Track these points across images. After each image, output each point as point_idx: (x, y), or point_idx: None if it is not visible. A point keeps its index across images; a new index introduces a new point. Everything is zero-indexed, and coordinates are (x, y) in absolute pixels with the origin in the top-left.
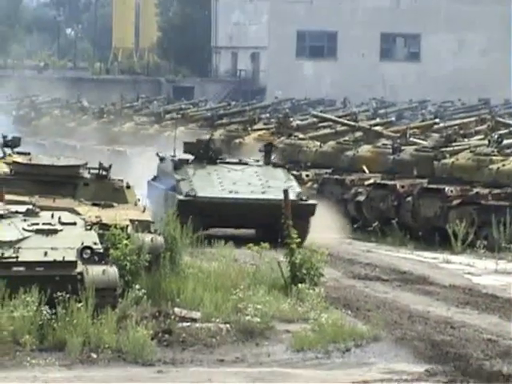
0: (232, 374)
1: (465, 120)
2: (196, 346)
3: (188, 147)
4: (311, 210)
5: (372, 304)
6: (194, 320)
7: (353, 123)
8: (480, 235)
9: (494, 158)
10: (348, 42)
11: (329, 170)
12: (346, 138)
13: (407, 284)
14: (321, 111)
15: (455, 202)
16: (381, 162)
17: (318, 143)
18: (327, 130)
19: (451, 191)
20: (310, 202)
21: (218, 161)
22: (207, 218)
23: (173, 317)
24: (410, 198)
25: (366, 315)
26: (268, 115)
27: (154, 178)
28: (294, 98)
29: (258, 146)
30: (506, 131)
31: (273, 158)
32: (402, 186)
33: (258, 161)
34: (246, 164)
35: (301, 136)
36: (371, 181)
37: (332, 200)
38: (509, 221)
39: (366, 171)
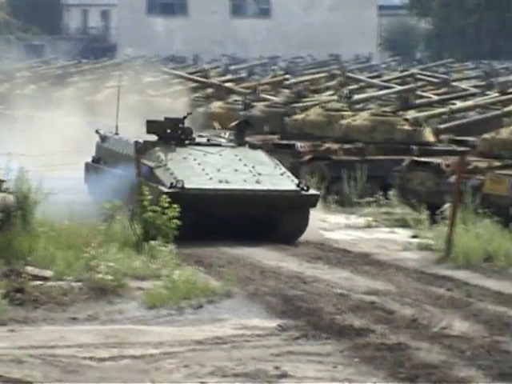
0: (85, 331)
1: (315, 76)
2: (48, 304)
3: (152, 126)
4: (313, 201)
5: (225, 260)
6: (45, 278)
7: (204, 80)
8: (331, 190)
9: (344, 113)
10: None
11: None
12: (198, 95)
13: (260, 239)
14: (172, 68)
15: (306, 158)
16: (232, 118)
17: (170, 100)
18: (179, 87)
19: (302, 147)
20: (312, 192)
21: (187, 142)
22: (194, 214)
23: (24, 275)
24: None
25: (219, 271)
26: (119, 73)
27: (96, 160)
28: (146, 55)
29: (110, 103)
30: (356, 86)
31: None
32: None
33: (230, 140)
34: (219, 145)
35: (152, 93)
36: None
37: None
38: (359, 176)
39: (218, 127)
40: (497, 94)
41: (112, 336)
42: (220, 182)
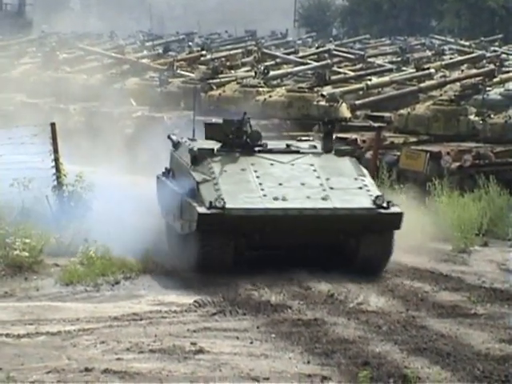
0: (1, 308)
1: (231, 52)
2: None
3: (211, 130)
4: (396, 221)
5: (141, 237)
6: None
7: (120, 56)
8: None
9: (260, 89)
10: None
11: (97, 103)
12: (113, 71)
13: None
14: (87, 45)
15: None
16: (148, 94)
17: (86, 76)
18: (94, 63)
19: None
20: (394, 209)
21: (257, 149)
22: (241, 239)
23: None
24: (177, 130)
25: (135, 248)
26: (34, 49)
27: (167, 173)
28: (61, 32)
29: (26, 80)
30: (272, 62)
31: None
32: (170, 118)
33: (314, 146)
34: (297, 152)
35: (68, 69)
36: (139, 113)
37: (102, 133)
38: None
39: (134, 104)
40: (412, 70)
41: (28, 313)
42: (275, 199)
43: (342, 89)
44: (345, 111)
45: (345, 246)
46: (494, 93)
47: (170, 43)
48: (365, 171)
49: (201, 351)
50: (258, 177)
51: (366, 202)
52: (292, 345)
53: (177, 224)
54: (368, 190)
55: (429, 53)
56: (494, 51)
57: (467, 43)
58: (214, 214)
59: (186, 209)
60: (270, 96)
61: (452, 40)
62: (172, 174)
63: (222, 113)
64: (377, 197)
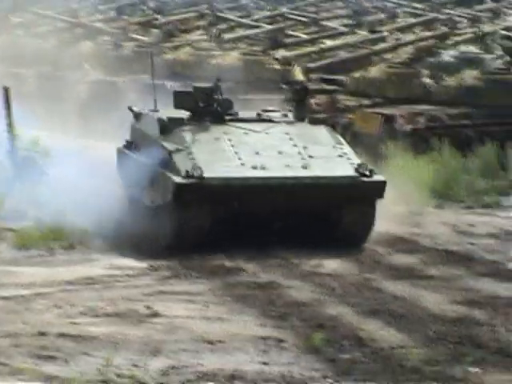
0: None
1: (185, 15)
2: None
3: (181, 98)
4: (379, 190)
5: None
6: None
7: (72, 20)
8: None
9: (214, 52)
10: None
11: (49, 68)
12: (67, 35)
13: None
14: (40, 8)
15: None
16: (102, 58)
17: (39, 41)
18: (47, 28)
19: (172, 86)
20: (377, 177)
21: (228, 118)
22: (221, 210)
23: None
24: (131, 94)
25: (90, 212)
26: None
27: (128, 145)
28: None
29: None
30: (225, 26)
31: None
32: (123, 82)
33: (285, 115)
34: (269, 121)
35: (20, 34)
36: (93, 78)
37: (55, 99)
38: None
39: (88, 68)
40: (366, 33)
41: None
42: (253, 168)
43: (295, 52)
44: (298, 74)
45: (326, 216)
46: (447, 55)
47: (122, 6)
48: (342, 139)
49: (155, 315)
50: (232, 145)
51: (348, 170)
52: (247, 308)
53: (146, 196)
54: (349, 158)
55: (382, 15)
56: (447, 14)
57: (420, 6)
58: (191, 184)
59: (159, 180)
60: (224, 59)
61: (405, 2)
62: (135, 146)
63: (176, 77)
64: (359, 165)
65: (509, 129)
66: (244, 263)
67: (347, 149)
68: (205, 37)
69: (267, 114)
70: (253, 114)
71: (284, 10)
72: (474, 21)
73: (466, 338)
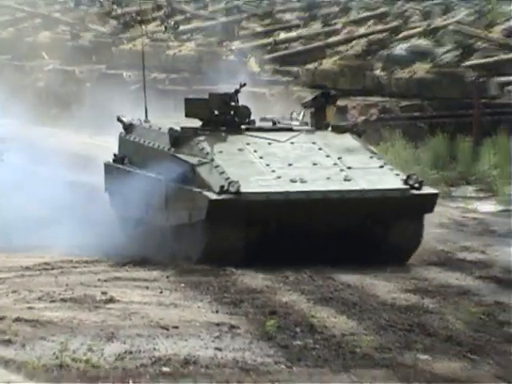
0: None
1: (142, 7)
2: None
3: (193, 106)
4: (430, 203)
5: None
6: None
7: (32, 10)
8: None
9: (170, 43)
10: None
11: (8, 57)
12: (25, 25)
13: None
14: None
15: (134, 87)
16: (60, 48)
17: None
18: (6, 18)
19: (129, 76)
20: (429, 190)
21: (243, 127)
22: (257, 228)
23: None
24: (89, 84)
25: (46, 198)
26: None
27: (120, 160)
28: None
29: None
30: (182, 17)
31: None
32: (81, 72)
33: (306, 123)
34: (290, 130)
35: None
36: (50, 67)
37: (14, 86)
38: None
39: (46, 57)
40: (320, 26)
41: None
42: (292, 181)
43: (250, 44)
44: (253, 65)
45: (370, 232)
46: (400, 48)
47: None
48: (373, 149)
49: (111, 300)
50: (261, 157)
51: (396, 183)
52: (201, 294)
53: (158, 215)
54: (391, 169)
55: (336, 8)
56: (399, 7)
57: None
58: (228, 200)
59: (178, 197)
60: (180, 50)
61: None
62: (130, 161)
63: (133, 67)
64: (408, 176)
65: (459, 121)
66: None
67: (383, 160)
68: (161, 28)
69: (284, 121)
70: (268, 124)
71: (239, 2)
72: (426, 15)
73: (417, 325)
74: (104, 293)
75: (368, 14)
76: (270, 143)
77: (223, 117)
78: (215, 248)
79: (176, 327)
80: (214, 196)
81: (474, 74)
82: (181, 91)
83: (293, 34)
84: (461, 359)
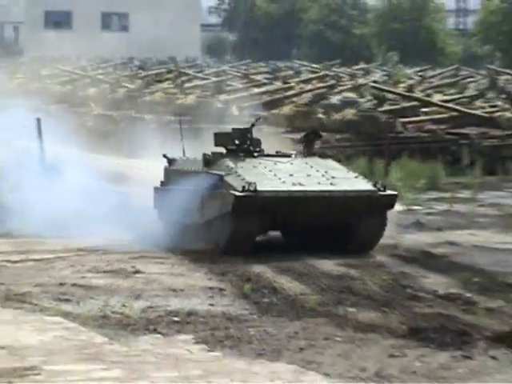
0: (2, 243)
1: (159, 71)
2: None
3: (220, 139)
4: (393, 201)
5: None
6: None
7: (83, 73)
8: None
9: (179, 95)
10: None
11: (67, 105)
12: (79, 83)
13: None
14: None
15: (153, 126)
16: (103, 99)
17: (60, 86)
18: (66, 78)
19: (148, 118)
20: (390, 192)
21: (256, 154)
22: (268, 218)
23: None
24: (122, 124)
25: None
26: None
27: (165, 183)
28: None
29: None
30: (186, 78)
31: None
32: (117, 116)
33: (301, 153)
34: (289, 156)
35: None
36: (96, 112)
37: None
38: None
39: (93, 105)
40: (280, 83)
41: (21, 246)
42: (294, 184)
43: (233, 96)
44: (235, 111)
45: (347, 226)
46: (335, 99)
47: (117, 65)
48: (348, 168)
49: (138, 272)
50: (270, 170)
51: (368, 186)
52: (199, 267)
53: (195, 215)
54: (363, 178)
55: (291, 72)
56: (334, 71)
57: (316, 66)
58: (249, 196)
59: (211, 199)
60: (185, 100)
61: (306, 63)
62: (172, 184)
63: (152, 112)
64: (376, 182)
65: (375, 148)
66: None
67: (357, 174)
68: (172, 85)
69: (284, 151)
70: (273, 152)
71: (225, 67)
72: (352, 76)
73: (346, 288)
74: (133, 266)
75: (313, 75)
76: (275, 163)
77: (242, 146)
78: (238, 233)
79: (182, 290)
80: (238, 193)
81: (385, 117)
82: (185, 128)
83: (262, 89)
84: (376, 311)
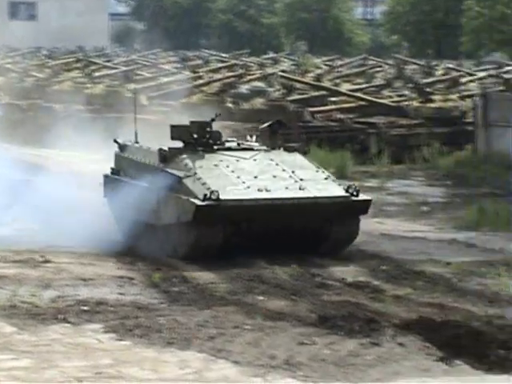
0: None
1: (68, 60)
2: None
3: (177, 132)
4: (366, 207)
5: None
6: None
7: None
8: None
9: (87, 85)
10: None
11: None
12: None
13: None
14: None
15: (62, 115)
16: (9, 88)
17: None
18: None
19: (57, 107)
20: (364, 197)
21: (216, 147)
22: (232, 228)
23: None
24: (31, 113)
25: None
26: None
27: (116, 172)
28: None
29: None
30: (94, 67)
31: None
32: (25, 105)
33: (262, 144)
34: (251, 149)
35: None
36: (3, 101)
37: None
38: None
39: (1, 94)
40: (189, 73)
41: None
42: (259, 190)
43: (140, 85)
44: (144, 100)
45: (317, 231)
46: (244, 88)
47: (24, 54)
48: (316, 164)
49: (47, 261)
50: (232, 171)
51: (340, 191)
52: (109, 257)
53: (150, 216)
54: (334, 180)
55: (200, 61)
56: (243, 60)
57: (225, 55)
58: (210, 206)
59: (169, 202)
60: (94, 90)
61: (215, 53)
62: (124, 173)
63: (60, 102)
64: (348, 186)
65: (284, 138)
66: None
67: (327, 173)
68: (80, 74)
69: (246, 143)
70: (234, 144)
71: (134, 57)
72: (261, 65)
73: (255, 277)
74: (42, 256)
75: (222, 65)
76: (237, 160)
77: (200, 140)
78: (199, 243)
79: (92, 279)
80: (199, 202)
81: (293, 106)
82: (94, 117)
83: (171, 78)
84: (285, 299)
